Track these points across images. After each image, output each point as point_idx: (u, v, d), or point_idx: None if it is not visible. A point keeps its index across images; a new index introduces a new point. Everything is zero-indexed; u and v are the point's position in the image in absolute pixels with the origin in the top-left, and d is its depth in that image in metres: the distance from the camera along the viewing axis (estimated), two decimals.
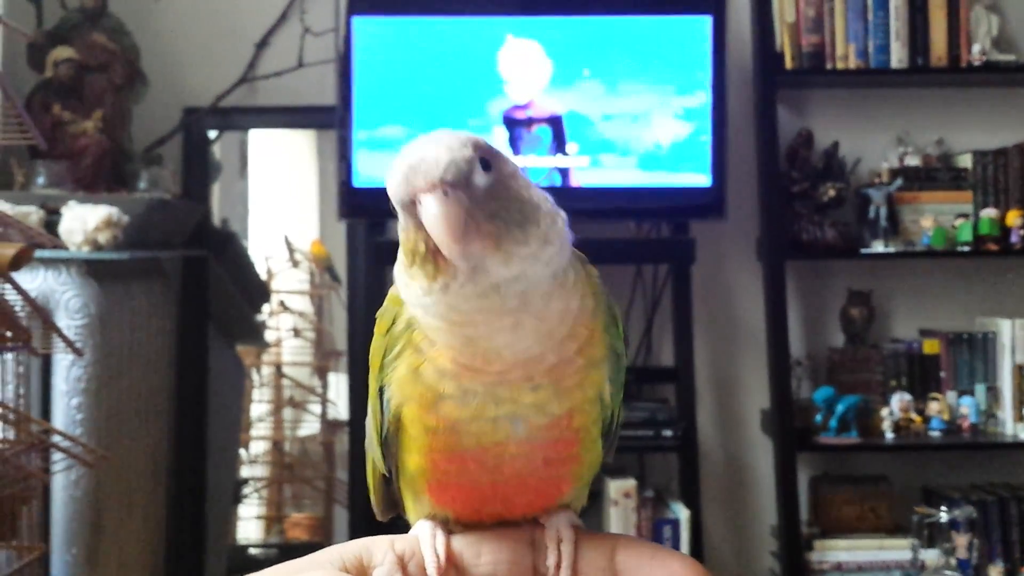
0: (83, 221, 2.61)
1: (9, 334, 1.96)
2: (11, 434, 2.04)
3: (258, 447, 4.50)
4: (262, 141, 4.68)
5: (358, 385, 3.27)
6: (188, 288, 3.18)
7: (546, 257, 0.58)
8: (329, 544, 0.64)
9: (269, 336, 4.40)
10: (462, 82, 3.06)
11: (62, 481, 2.54)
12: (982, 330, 3.36)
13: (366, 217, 3.16)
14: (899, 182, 3.32)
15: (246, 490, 4.33)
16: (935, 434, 3.25)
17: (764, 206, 3.28)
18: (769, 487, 3.35)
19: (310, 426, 4.51)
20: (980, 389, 3.32)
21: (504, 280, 0.57)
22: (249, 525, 4.47)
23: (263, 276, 4.21)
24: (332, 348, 4.50)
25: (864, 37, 3.28)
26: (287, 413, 4.49)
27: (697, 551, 3.05)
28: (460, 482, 0.62)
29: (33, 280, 2.57)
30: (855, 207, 3.37)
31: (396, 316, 0.62)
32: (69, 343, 2.10)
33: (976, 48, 3.29)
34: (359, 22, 3.03)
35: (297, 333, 4.47)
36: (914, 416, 3.28)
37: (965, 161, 3.39)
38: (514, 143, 3.05)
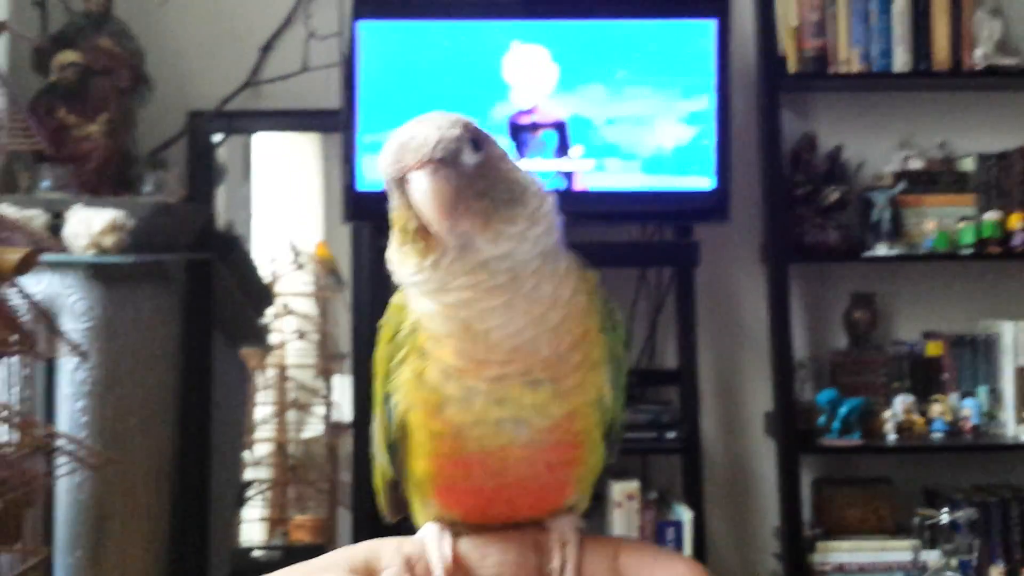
0: (88, 225, 2.61)
1: (14, 338, 1.97)
2: (16, 437, 2.04)
3: (262, 449, 4.50)
4: (267, 145, 4.68)
5: (362, 387, 3.28)
6: (192, 291, 3.18)
7: (534, 236, 0.58)
8: (333, 546, 0.64)
9: (273, 339, 4.40)
10: (466, 87, 3.06)
11: (66, 484, 2.54)
12: (984, 332, 3.37)
13: (370, 220, 3.16)
14: (902, 185, 3.33)
15: (250, 492, 4.33)
16: (937, 436, 3.26)
17: (768, 209, 3.28)
18: (772, 489, 3.35)
19: (314, 428, 4.51)
20: (982, 391, 3.33)
21: (492, 257, 0.57)
22: (253, 527, 4.47)
23: (267, 279, 4.21)
24: (336, 351, 4.50)
25: (867, 41, 3.29)
26: (291, 415, 4.49)
27: (700, 553, 3.06)
28: (465, 486, 0.62)
29: (38, 284, 2.57)
30: (858, 210, 3.38)
31: (400, 322, 0.63)
32: (73, 346, 2.11)
33: (979, 52, 3.29)
34: (363, 26, 3.03)
35: (301, 336, 4.46)
36: (916, 418, 3.28)
37: (968, 164, 3.39)
38: (519, 148, 3.05)
